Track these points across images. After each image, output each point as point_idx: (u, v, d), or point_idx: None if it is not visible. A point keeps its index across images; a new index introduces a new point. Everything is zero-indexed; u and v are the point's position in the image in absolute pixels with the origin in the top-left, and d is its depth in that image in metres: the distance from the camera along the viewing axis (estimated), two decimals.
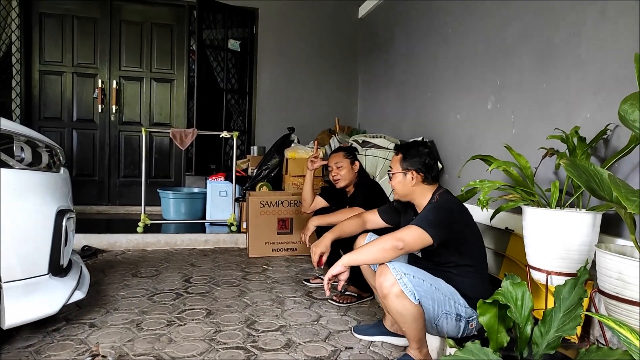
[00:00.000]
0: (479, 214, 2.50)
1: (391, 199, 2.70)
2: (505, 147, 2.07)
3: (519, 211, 2.08)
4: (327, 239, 2.22)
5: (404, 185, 1.96)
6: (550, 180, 1.82)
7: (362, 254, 1.80)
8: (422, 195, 1.95)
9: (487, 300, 1.22)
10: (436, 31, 3.69)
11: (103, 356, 1.53)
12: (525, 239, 1.86)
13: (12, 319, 1.68)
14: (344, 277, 1.79)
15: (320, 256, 2.25)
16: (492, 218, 2.11)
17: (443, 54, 3.56)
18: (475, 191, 1.98)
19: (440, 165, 3.43)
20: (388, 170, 2.05)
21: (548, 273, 1.74)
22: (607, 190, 1.26)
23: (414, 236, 1.71)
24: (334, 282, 1.80)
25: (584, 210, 1.72)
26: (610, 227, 1.90)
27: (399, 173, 1.96)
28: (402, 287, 1.67)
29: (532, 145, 2.35)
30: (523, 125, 2.57)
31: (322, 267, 2.56)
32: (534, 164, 2.07)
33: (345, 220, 2.31)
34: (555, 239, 1.70)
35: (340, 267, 1.77)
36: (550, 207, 1.79)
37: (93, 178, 5.24)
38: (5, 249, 1.64)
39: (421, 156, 1.93)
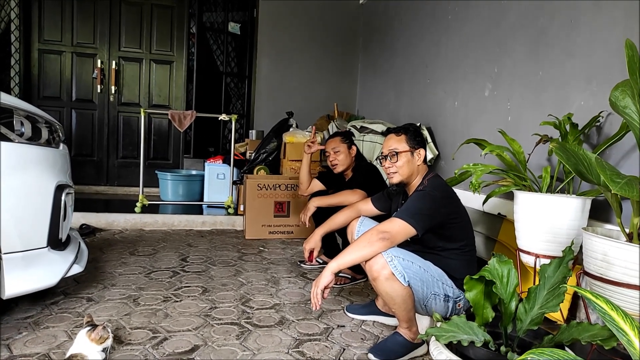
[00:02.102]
0: (473, 200, 2.54)
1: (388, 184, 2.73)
2: (499, 132, 2.10)
3: (511, 197, 2.11)
4: (317, 235, 2.27)
5: (411, 164, 1.96)
6: (544, 167, 1.85)
7: (350, 255, 1.73)
8: (418, 177, 1.98)
9: (473, 277, 1.26)
10: (436, 18, 3.69)
11: (103, 327, 1.57)
12: (516, 223, 1.90)
13: (11, 290, 1.72)
14: (331, 284, 1.75)
15: (311, 252, 2.30)
16: (484, 203, 2.14)
17: (442, 41, 3.57)
18: (468, 175, 2.01)
19: (436, 151, 3.46)
20: (388, 153, 1.98)
21: (537, 256, 1.78)
22: (594, 174, 1.29)
23: (397, 228, 1.72)
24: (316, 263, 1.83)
25: (573, 195, 1.76)
26: (600, 213, 1.94)
27: (406, 152, 1.95)
28: (392, 269, 1.70)
29: (526, 131, 2.38)
30: (518, 112, 2.60)
31: (312, 262, 2.60)
32: (528, 151, 2.10)
33: (338, 213, 2.33)
34: (544, 222, 1.74)
35: (330, 276, 1.72)
36: (541, 192, 1.82)
37: (92, 158, 5.26)
38: (5, 221, 1.67)
39: (419, 135, 1.98)
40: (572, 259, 1.26)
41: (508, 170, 1.96)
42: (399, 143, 1.97)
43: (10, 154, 1.71)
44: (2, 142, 1.67)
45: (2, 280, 1.70)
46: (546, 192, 1.83)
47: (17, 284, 1.75)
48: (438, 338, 1.10)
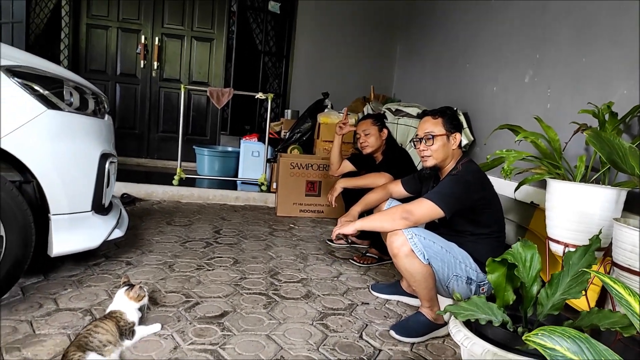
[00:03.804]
0: (506, 188, 2.52)
1: (419, 168, 2.73)
2: (535, 118, 2.07)
3: (545, 186, 2.09)
4: (355, 211, 2.31)
5: (446, 148, 1.95)
6: (579, 156, 1.81)
7: (373, 222, 1.93)
8: (452, 161, 1.97)
9: (496, 259, 1.27)
10: (479, 2, 3.60)
11: (140, 286, 1.68)
12: (547, 212, 1.88)
13: (58, 248, 1.85)
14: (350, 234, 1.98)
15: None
16: (516, 190, 2.13)
17: (484, 25, 3.49)
18: (501, 161, 1.99)
19: (472, 137, 3.42)
20: (423, 136, 1.96)
21: (566, 245, 1.77)
22: (628, 164, 1.27)
23: (423, 210, 1.77)
24: (340, 237, 2.00)
25: (608, 186, 1.72)
26: (636, 205, 1.90)
27: (442, 136, 1.93)
28: (412, 247, 1.73)
29: (566, 119, 2.33)
30: (558, 100, 2.54)
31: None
32: (567, 139, 2.06)
33: (371, 193, 2.36)
34: (576, 212, 1.72)
35: (352, 229, 1.93)
36: (575, 181, 1.80)
37: (134, 131, 5.46)
38: (54, 184, 1.79)
39: (457, 119, 1.98)
40: (598, 248, 1.26)
41: (542, 158, 1.94)
42: (435, 126, 1.95)
43: (60, 122, 1.82)
44: (53, 111, 1.78)
45: (51, 239, 1.83)
46: (580, 182, 1.80)
47: (64, 244, 1.87)
48: (456, 315, 1.13)
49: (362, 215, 2.90)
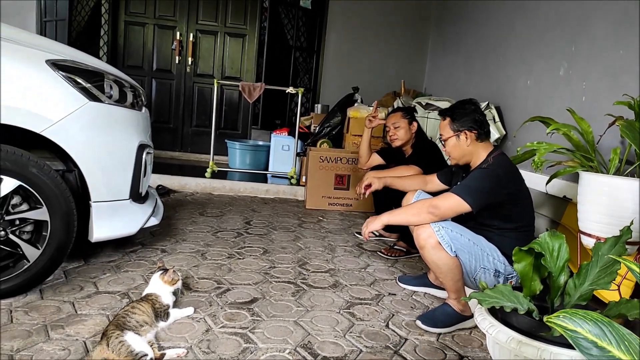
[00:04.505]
0: (537, 182, 2.48)
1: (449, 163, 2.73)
2: (567, 110, 2.03)
3: (578, 180, 2.05)
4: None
5: (460, 147, 1.95)
6: (612, 148, 1.77)
7: (399, 216, 1.90)
8: (477, 155, 1.95)
9: (522, 248, 1.27)
10: None
11: (174, 270, 1.75)
12: (579, 205, 1.85)
13: (98, 234, 1.95)
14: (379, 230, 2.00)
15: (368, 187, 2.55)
16: (548, 182, 2.10)
17: (518, 19, 3.43)
18: (531, 153, 1.96)
19: (504, 131, 3.37)
20: (439, 137, 2.04)
21: (597, 239, 1.73)
22: None
23: (449, 204, 1.76)
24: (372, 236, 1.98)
25: None
26: None
27: (451, 137, 1.95)
28: (439, 239, 1.74)
29: (601, 113, 2.27)
30: (594, 92, 2.48)
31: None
32: (601, 132, 2.02)
33: (407, 179, 2.39)
34: (608, 205, 1.68)
35: (379, 224, 1.90)
36: (609, 174, 1.76)
37: (168, 125, 5.61)
38: (94, 173, 1.89)
39: (469, 114, 1.92)
40: (630, 240, 1.24)
41: (575, 151, 1.90)
42: (443, 128, 1.99)
43: (101, 114, 1.91)
44: (94, 103, 1.87)
45: (91, 226, 1.93)
46: (614, 174, 1.76)
47: (103, 230, 1.97)
48: (481, 302, 1.14)
49: (389, 207, 2.92)
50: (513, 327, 1.20)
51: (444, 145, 2.03)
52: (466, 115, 1.93)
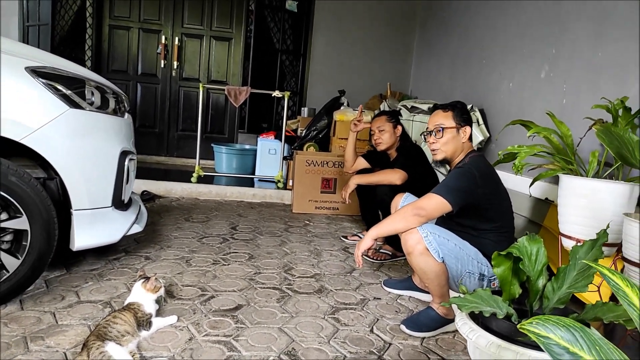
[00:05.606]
0: (520, 184, 2.51)
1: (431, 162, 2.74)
2: (547, 114, 2.06)
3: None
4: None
5: (456, 141, 1.96)
6: (591, 151, 1.80)
7: (387, 226, 1.84)
8: (462, 154, 1.98)
9: (501, 253, 1.28)
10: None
11: (155, 278, 1.74)
12: (559, 207, 1.88)
13: (80, 242, 1.92)
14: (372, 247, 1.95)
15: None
16: (530, 185, 2.12)
17: (499, 21, 3.47)
18: (512, 156, 1.99)
19: (487, 134, 3.40)
20: (433, 129, 1.97)
21: (577, 241, 1.76)
22: (637, 158, 1.27)
23: (434, 204, 1.76)
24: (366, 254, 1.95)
25: (620, 181, 1.71)
26: None
27: (452, 128, 1.95)
28: (427, 245, 1.74)
29: (582, 115, 2.31)
30: (574, 95, 2.51)
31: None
32: (581, 135, 2.05)
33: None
34: (587, 208, 1.71)
35: (370, 241, 1.84)
36: (587, 177, 1.79)
37: (154, 130, 5.57)
38: (75, 181, 1.87)
39: (467, 113, 1.99)
40: (607, 243, 1.26)
41: (555, 154, 1.93)
42: (445, 119, 1.97)
43: (82, 121, 1.89)
44: (75, 110, 1.85)
45: (73, 234, 1.91)
46: (592, 177, 1.79)
47: (85, 238, 1.95)
48: (460, 307, 1.15)
49: (374, 210, 2.93)
50: (493, 331, 1.21)
51: (430, 135, 1.99)
52: (466, 113, 1.98)
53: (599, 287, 1.78)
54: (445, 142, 1.96)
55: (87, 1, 5.21)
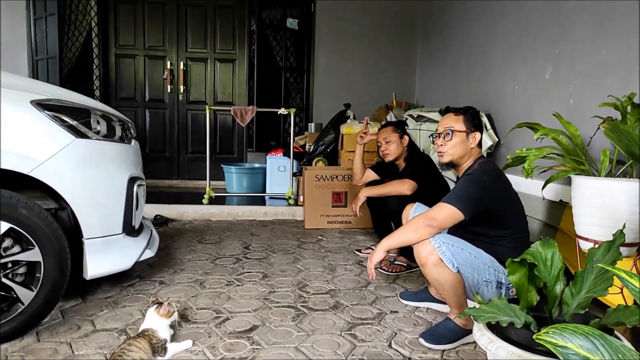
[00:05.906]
0: (533, 187, 2.47)
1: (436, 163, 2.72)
2: (554, 115, 2.03)
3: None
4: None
5: (465, 146, 1.94)
6: (602, 150, 1.76)
7: (399, 238, 1.82)
8: (470, 160, 1.95)
9: (515, 260, 1.25)
10: (493, 2, 3.57)
11: (168, 303, 1.73)
12: (573, 209, 1.83)
13: (93, 271, 1.93)
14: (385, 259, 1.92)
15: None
16: (543, 188, 2.08)
17: (500, 24, 3.46)
18: (521, 160, 1.96)
19: (496, 138, 3.37)
20: (442, 131, 1.95)
21: (595, 242, 1.71)
22: None
23: (445, 214, 1.73)
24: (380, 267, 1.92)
25: (634, 179, 1.67)
26: None
27: (462, 132, 1.92)
28: (441, 255, 1.71)
29: (591, 114, 2.27)
30: (581, 95, 2.48)
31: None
32: (591, 134, 2.01)
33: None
34: (602, 208, 1.67)
35: (382, 252, 1.81)
36: (600, 176, 1.75)
37: (164, 154, 5.63)
38: (85, 210, 1.88)
39: (479, 119, 1.97)
40: (624, 243, 1.22)
41: (565, 155, 1.90)
42: (456, 122, 1.95)
43: (89, 150, 1.91)
44: (81, 139, 1.87)
45: (85, 263, 1.91)
46: (605, 176, 1.75)
47: (98, 267, 1.95)
48: (476, 318, 1.12)
49: (387, 222, 2.90)
50: (512, 341, 1.18)
51: (439, 137, 1.97)
52: (477, 119, 1.96)
53: (621, 289, 1.72)
54: (453, 145, 1.94)
55: (93, 32, 5.32)
